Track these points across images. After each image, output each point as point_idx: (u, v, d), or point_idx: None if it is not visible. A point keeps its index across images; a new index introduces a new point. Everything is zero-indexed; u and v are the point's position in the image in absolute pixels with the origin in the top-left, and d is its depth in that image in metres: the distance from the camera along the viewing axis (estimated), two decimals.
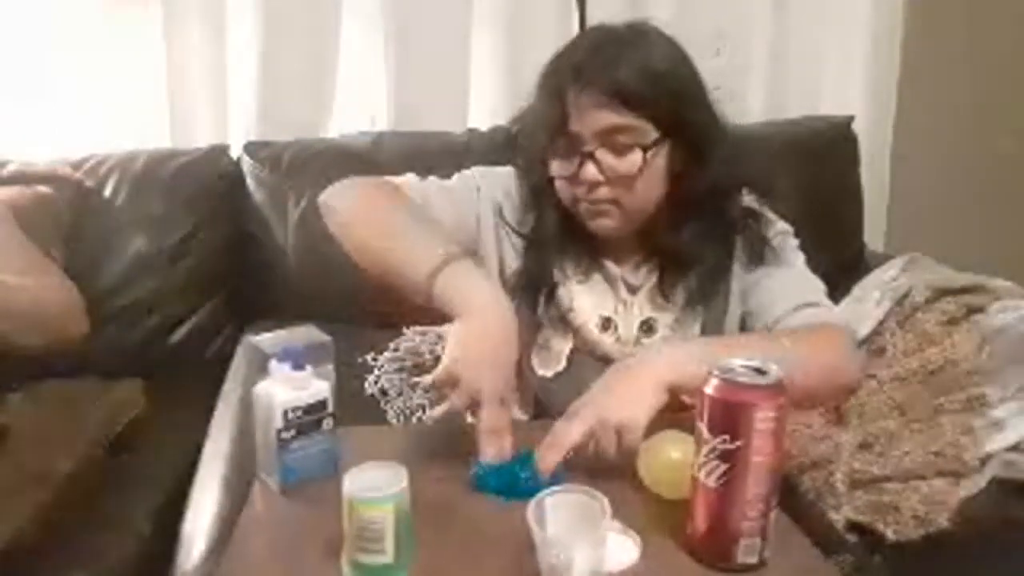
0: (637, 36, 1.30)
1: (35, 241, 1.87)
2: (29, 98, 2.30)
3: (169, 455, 1.77)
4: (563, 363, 1.39)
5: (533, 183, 1.39)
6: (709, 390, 0.92)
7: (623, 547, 0.95)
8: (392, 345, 2.03)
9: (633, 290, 1.40)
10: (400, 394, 1.90)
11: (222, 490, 1.58)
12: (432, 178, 1.46)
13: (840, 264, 2.28)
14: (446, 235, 1.23)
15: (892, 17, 2.59)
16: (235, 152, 2.35)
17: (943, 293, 1.85)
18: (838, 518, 1.45)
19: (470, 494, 1.09)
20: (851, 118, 2.45)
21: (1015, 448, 1.59)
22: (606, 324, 1.39)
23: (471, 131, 2.42)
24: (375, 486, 0.91)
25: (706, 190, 1.33)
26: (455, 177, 1.48)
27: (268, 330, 1.15)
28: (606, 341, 1.38)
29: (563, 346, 1.39)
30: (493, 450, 1.09)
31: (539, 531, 0.89)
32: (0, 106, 2.30)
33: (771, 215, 1.43)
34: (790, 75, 2.63)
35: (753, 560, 0.94)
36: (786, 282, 1.37)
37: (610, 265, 1.40)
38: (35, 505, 1.49)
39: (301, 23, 2.41)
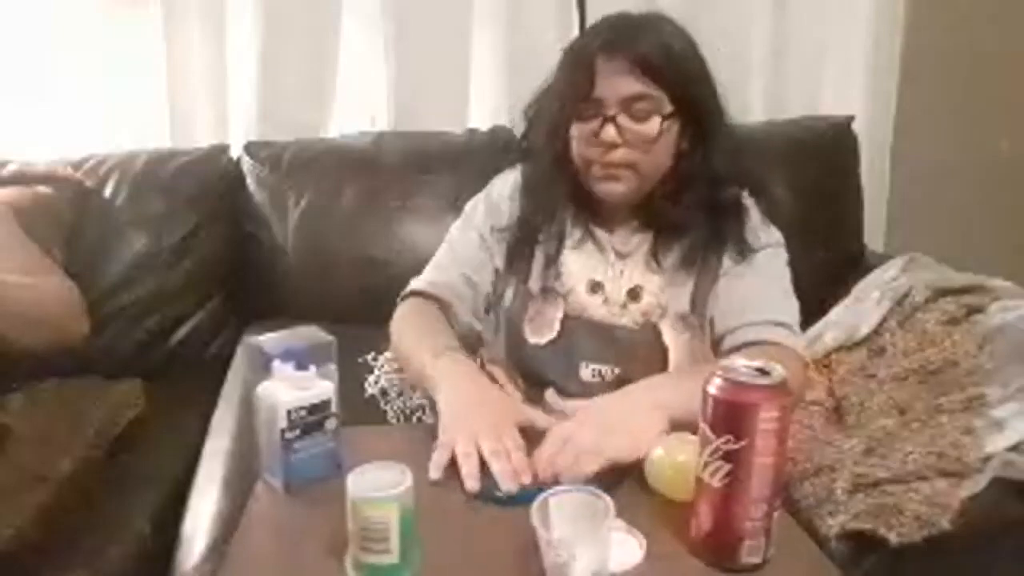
0: (656, 20, 1.43)
1: (36, 241, 1.87)
2: (29, 98, 2.30)
3: (169, 455, 1.77)
4: (556, 329, 1.46)
5: (553, 149, 1.46)
6: (713, 390, 0.92)
7: (627, 547, 0.95)
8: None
9: (623, 256, 1.48)
10: (400, 394, 1.90)
11: (222, 490, 1.58)
12: (440, 250, 1.60)
13: (840, 264, 2.29)
14: (434, 343, 1.37)
15: (892, 17, 2.59)
16: (235, 152, 2.34)
17: (943, 293, 1.86)
18: (833, 524, 1.44)
19: (474, 491, 1.09)
20: (851, 118, 2.44)
21: (1015, 448, 1.59)
22: (595, 287, 1.46)
23: (471, 131, 2.42)
24: (379, 486, 0.91)
25: (706, 171, 1.43)
26: (449, 234, 1.61)
27: (268, 330, 1.15)
28: (594, 303, 1.46)
29: (555, 313, 1.47)
30: (500, 466, 1.10)
31: (543, 531, 0.90)
32: (0, 106, 2.29)
33: (766, 221, 1.50)
34: (790, 75, 2.63)
35: (757, 560, 0.95)
36: (762, 293, 1.42)
37: (602, 233, 1.50)
38: (35, 505, 1.48)
39: (301, 23, 2.41)
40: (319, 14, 2.42)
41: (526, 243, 1.51)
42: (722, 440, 0.91)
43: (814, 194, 2.29)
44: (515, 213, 1.53)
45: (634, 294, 1.45)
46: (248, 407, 1.68)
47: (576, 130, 1.41)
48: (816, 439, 1.63)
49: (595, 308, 1.46)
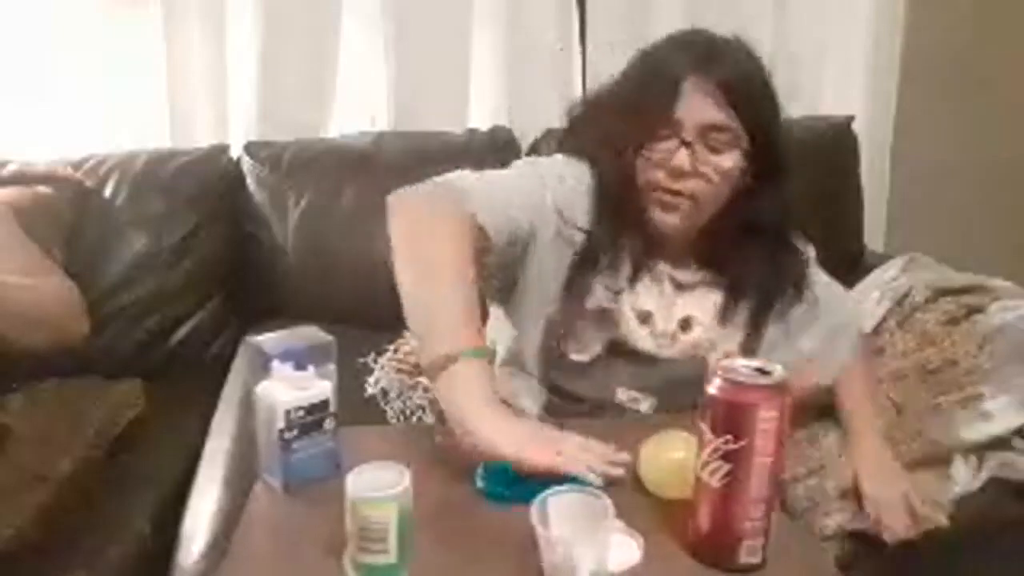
0: (738, 46, 1.36)
1: (36, 241, 1.88)
2: (29, 98, 2.30)
3: (169, 455, 1.77)
4: (598, 351, 1.39)
5: (613, 165, 1.37)
6: (712, 390, 0.92)
7: (626, 547, 0.95)
8: (392, 346, 2.03)
9: (680, 287, 1.42)
10: (400, 395, 1.90)
11: (222, 490, 1.58)
12: (492, 175, 1.42)
13: (840, 264, 2.28)
14: (469, 309, 1.20)
15: (892, 17, 2.59)
16: (235, 152, 2.35)
17: (943, 293, 1.85)
18: (829, 524, 1.44)
19: (472, 494, 1.09)
20: (851, 118, 2.44)
21: (1008, 446, 1.59)
22: (645, 318, 1.40)
23: (471, 131, 2.43)
24: (378, 486, 0.91)
25: (768, 216, 1.39)
26: (520, 169, 1.46)
27: (268, 330, 1.15)
28: (642, 334, 1.40)
29: (602, 335, 1.39)
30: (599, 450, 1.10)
31: (542, 531, 0.89)
32: (0, 106, 2.29)
33: (799, 242, 1.50)
34: (790, 74, 2.63)
35: (755, 560, 0.95)
36: (834, 327, 1.52)
37: (660, 263, 1.42)
38: (35, 505, 1.49)
39: (301, 23, 2.41)
40: (319, 14, 2.42)
41: (589, 260, 1.38)
42: (721, 440, 0.91)
43: (814, 194, 2.28)
44: (585, 219, 1.39)
45: (685, 324, 1.41)
46: (248, 407, 1.69)
47: (648, 147, 1.32)
48: (800, 443, 1.63)
49: (643, 339, 1.40)
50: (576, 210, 1.38)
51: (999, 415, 1.59)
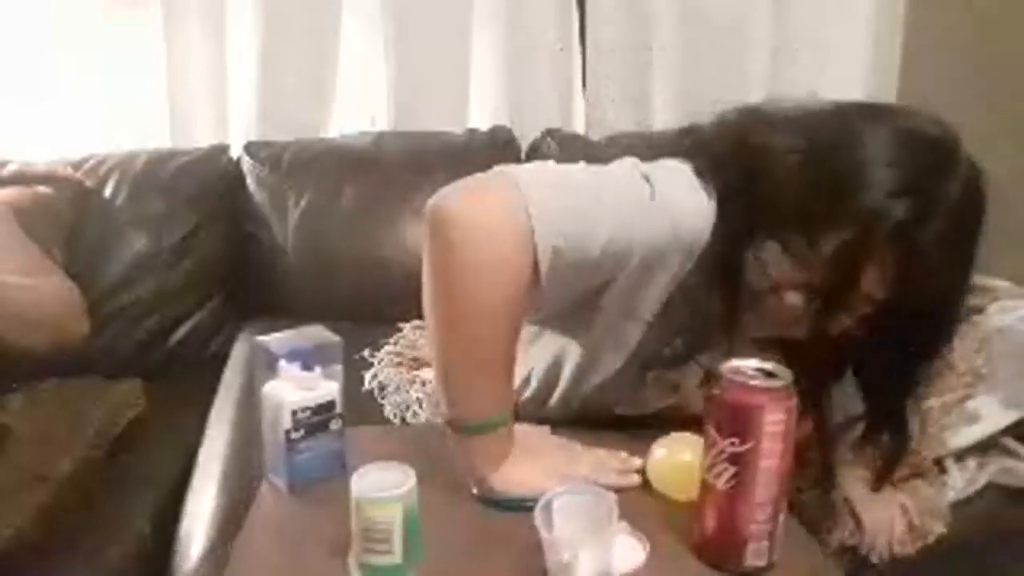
0: (956, 176, 1.05)
1: (36, 241, 1.88)
2: (29, 98, 2.30)
3: (169, 455, 1.77)
4: (649, 411, 1.28)
5: (740, 235, 1.07)
6: (718, 392, 0.92)
7: (630, 549, 0.95)
8: (392, 340, 2.03)
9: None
10: (398, 389, 1.89)
11: (221, 490, 1.58)
12: (577, 175, 1.11)
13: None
14: (507, 375, 1.07)
15: (892, 17, 2.59)
16: (235, 152, 2.35)
17: None
18: (833, 539, 1.44)
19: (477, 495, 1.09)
20: None
21: (1007, 451, 1.59)
22: (707, 378, 1.13)
23: (471, 131, 2.43)
24: (383, 486, 0.91)
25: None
26: (620, 176, 1.11)
27: (268, 330, 1.15)
28: (699, 397, 1.09)
29: (657, 403, 1.27)
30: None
31: (546, 532, 0.89)
32: (0, 106, 2.29)
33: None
34: (790, 74, 2.63)
35: (761, 563, 0.94)
36: None
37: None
38: (35, 505, 1.49)
39: (301, 23, 2.41)
40: (319, 14, 2.42)
41: (667, 356, 1.17)
42: (728, 442, 0.91)
43: None
44: (672, 278, 1.10)
45: None
46: (246, 406, 1.69)
47: (774, 249, 1.05)
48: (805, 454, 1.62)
49: (699, 402, 1.06)
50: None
51: (986, 415, 1.59)
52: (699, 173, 1.10)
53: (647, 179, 1.08)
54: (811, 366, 1.04)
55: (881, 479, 1.31)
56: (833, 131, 1.06)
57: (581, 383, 1.24)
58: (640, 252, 1.06)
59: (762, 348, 1.08)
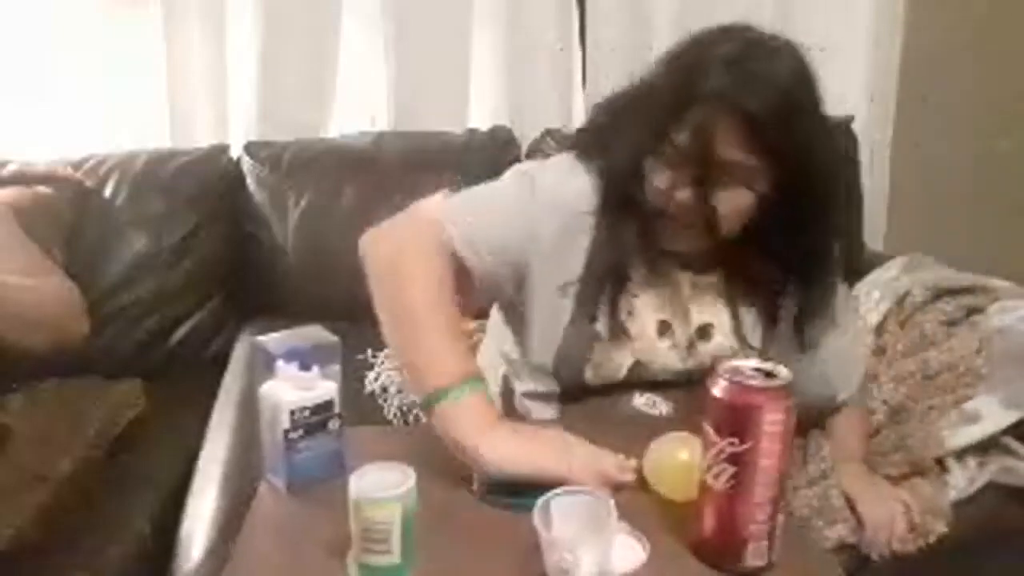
0: (788, 59, 1.19)
1: (36, 241, 1.87)
2: (29, 98, 2.30)
3: (169, 455, 1.77)
4: (621, 376, 1.33)
5: (624, 174, 1.27)
6: (717, 392, 0.92)
7: (630, 549, 0.95)
8: None
9: (698, 289, 1.34)
10: (399, 391, 1.90)
11: (221, 490, 1.58)
12: (475, 193, 1.36)
13: (840, 264, 2.28)
14: (449, 343, 1.18)
15: (892, 17, 2.59)
16: (235, 152, 2.34)
17: (943, 293, 1.85)
18: (831, 536, 1.43)
19: (476, 495, 1.09)
20: (851, 118, 2.44)
21: (1008, 451, 1.59)
22: (664, 329, 1.33)
23: (471, 131, 2.42)
24: (382, 486, 0.91)
25: (802, 250, 1.29)
26: (509, 183, 1.36)
27: (268, 330, 1.15)
28: (663, 348, 1.33)
29: (623, 359, 1.32)
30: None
31: (545, 533, 0.89)
32: (0, 106, 2.29)
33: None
34: None
35: (761, 563, 0.95)
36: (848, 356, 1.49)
37: (677, 270, 1.34)
38: (35, 505, 1.49)
39: (301, 23, 2.41)
40: (319, 14, 2.42)
41: (597, 280, 1.30)
42: (726, 442, 0.91)
43: None
44: (590, 240, 1.31)
45: (704, 332, 1.33)
46: (246, 406, 1.69)
47: (657, 174, 1.22)
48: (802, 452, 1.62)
49: (664, 353, 1.32)
50: (577, 234, 1.30)
51: (987, 416, 1.59)
52: (581, 154, 1.35)
53: (530, 177, 1.34)
54: (747, 269, 1.31)
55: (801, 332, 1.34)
56: (683, 48, 1.25)
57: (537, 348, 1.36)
58: (540, 236, 1.29)
59: (702, 265, 1.33)
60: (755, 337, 1.35)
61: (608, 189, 1.29)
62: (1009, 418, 1.59)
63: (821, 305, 1.33)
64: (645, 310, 1.33)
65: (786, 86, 1.17)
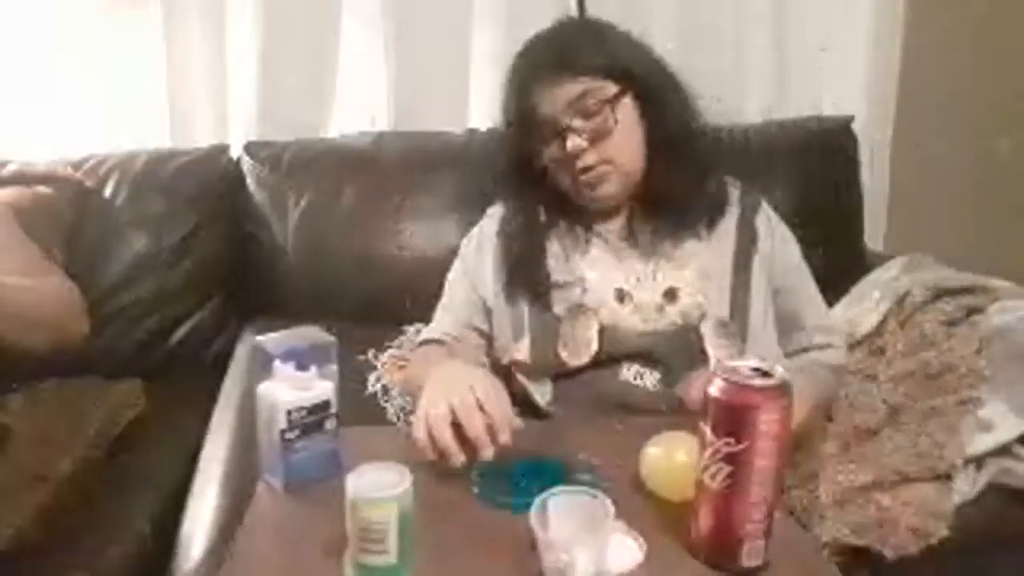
0: (577, 23, 1.57)
1: (36, 241, 1.87)
2: (29, 98, 2.30)
3: (169, 455, 1.77)
4: (594, 347, 1.43)
5: (528, 181, 1.53)
6: (713, 392, 0.92)
7: (627, 548, 0.95)
8: (395, 343, 2.03)
9: (634, 243, 1.50)
10: (401, 392, 1.90)
11: (221, 490, 1.58)
12: (439, 307, 1.64)
13: (840, 264, 2.28)
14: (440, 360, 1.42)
15: (892, 17, 2.59)
16: (235, 152, 2.34)
17: (943, 293, 1.85)
18: (820, 534, 1.43)
19: (472, 495, 1.09)
20: (851, 118, 2.44)
21: (1008, 453, 1.59)
22: (621, 296, 1.45)
23: (471, 131, 2.42)
24: (378, 486, 0.91)
25: (674, 130, 1.47)
26: (453, 272, 1.66)
27: (268, 330, 1.16)
28: (625, 313, 1.44)
29: (589, 331, 1.43)
30: (487, 451, 1.10)
31: (542, 533, 0.90)
32: (0, 106, 2.29)
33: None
34: (790, 75, 2.63)
35: (757, 562, 0.95)
36: (809, 305, 1.59)
37: (601, 228, 1.52)
38: (35, 505, 1.48)
39: (301, 23, 2.41)
40: (319, 14, 2.42)
41: (532, 273, 1.50)
42: (723, 442, 0.91)
43: (814, 194, 2.28)
44: (507, 251, 1.55)
45: (671, 295, 1.43)
46: (247, 407, 1.69)
47: (546, 155, 1.46)
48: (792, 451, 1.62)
49: (627, 318, 1.44)
50: (493, 255, 1.56)
51: (1000, 424, 1.58)
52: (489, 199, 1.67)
53: (460, 249, 1.66)
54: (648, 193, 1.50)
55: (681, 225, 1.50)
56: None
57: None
58: (478, 279, 1.58)
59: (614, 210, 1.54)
60: (717, 279, 1.47)
61: (505, 190, 1.60)
62: (1022, 427, 1.58)
63: (695, 182, 1.50)
64: (600, 284, 1.46)
65: (576, 29, 1.58)
